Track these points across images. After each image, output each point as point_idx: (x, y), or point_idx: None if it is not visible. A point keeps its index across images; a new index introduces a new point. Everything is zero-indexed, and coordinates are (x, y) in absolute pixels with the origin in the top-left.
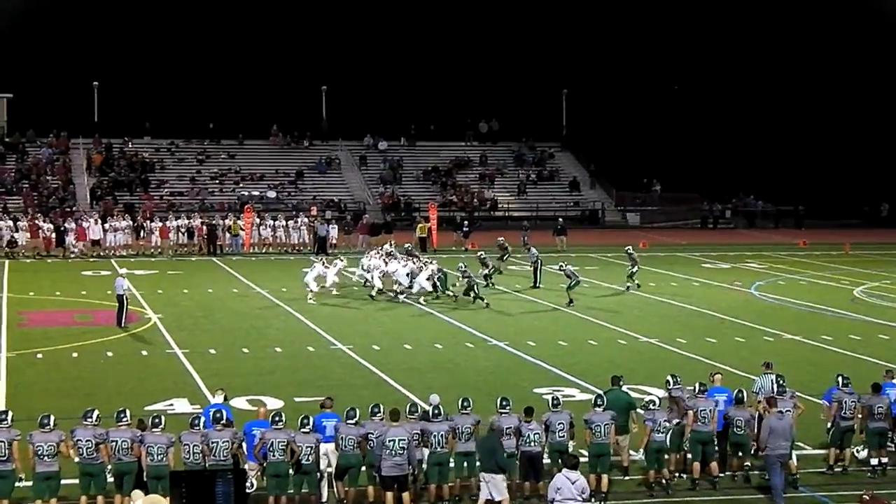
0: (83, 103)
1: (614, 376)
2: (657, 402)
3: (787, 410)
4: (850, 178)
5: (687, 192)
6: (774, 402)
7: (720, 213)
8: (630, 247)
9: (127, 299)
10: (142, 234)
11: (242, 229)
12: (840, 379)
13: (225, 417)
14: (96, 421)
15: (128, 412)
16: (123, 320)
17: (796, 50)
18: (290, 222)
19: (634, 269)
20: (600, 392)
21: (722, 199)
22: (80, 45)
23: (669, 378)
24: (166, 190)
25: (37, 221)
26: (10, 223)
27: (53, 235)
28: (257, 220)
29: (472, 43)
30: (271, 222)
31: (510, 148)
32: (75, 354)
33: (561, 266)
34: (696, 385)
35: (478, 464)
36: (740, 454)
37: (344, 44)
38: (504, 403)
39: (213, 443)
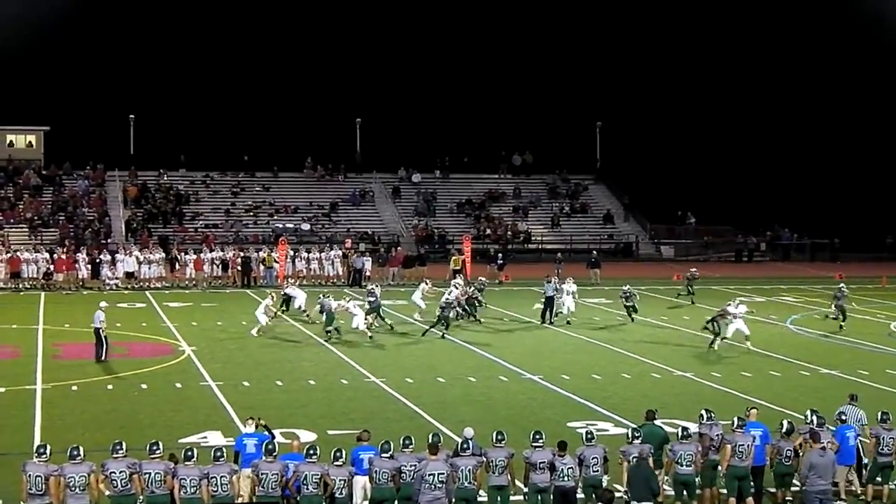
0: (119, 136)
1: (649, 411)
2: (690, 431)
3: (828, 445)
4: (886, 211)
5: (721, 225)
6: (818, 436)
7: (755, 246)
8: (627, 286)
9: (104, 333)
10: (176, 266)
11: (276, 261)
12: (879, 414)
13: (276, 447)
14: (125, 453)
15: (160, 444)
16: (104, 354)
17: (831, 85)
18: (324, 254)
19: (630, 304)
20: (633, 425)
21: (756, 232)
22: (117, 79)
23: (703, 412)
24: (201, 222)
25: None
26: (47, 255)
27: (89, 267)
28: (291, 253)
29: (507, 76)
30: (305, 255)
31: (544, 180)
32: (110, 387)
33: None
34: (735, 420)
35: (626, 494)
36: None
37: (378, 77)
38: (537, 437)
39: (262, 474)
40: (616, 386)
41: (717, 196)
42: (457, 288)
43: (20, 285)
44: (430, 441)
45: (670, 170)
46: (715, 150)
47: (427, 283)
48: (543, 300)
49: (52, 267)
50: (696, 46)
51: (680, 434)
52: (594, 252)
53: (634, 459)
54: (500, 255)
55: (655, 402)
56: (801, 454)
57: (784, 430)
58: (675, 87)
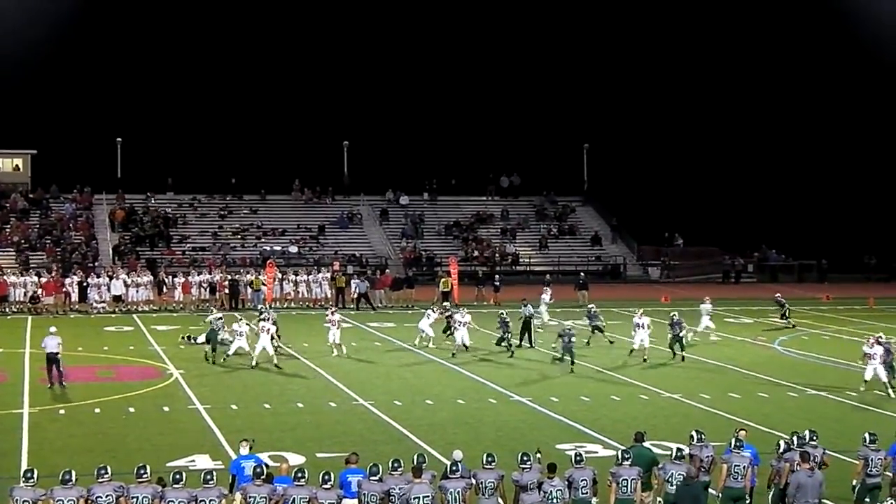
0: (106, 159)
1: (637, 433)
2: (684, 451)
3: (818, 464)
4: (874, 232)
5: (708, 246)
6: (807, 456)
7: (742, 267)
8: (592, 305)
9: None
10: (164, 289)
11: (264, 284)
12: (867, 436)
13: (265, 472)
14: (111, 477)
15: (147, 468)
16: (61, 380)
17: (818, 104)
18: (312, 277)
19: (599, 323)
20: (622, 447)
21: (743, 254)
22: (103, 102)
23: (693, 433)
24: (188, 245)
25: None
26: (34, 279)
27: (76, 291)
28: (279, 275)
29: (494, 98)
30: (293, 277)
31: (532, 202)
32: (97, 410)
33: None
34: (732, 440)
35: None
36: None
37: (365, 99)
38: (525, 458)
39: (250, 497)
40: (605, 408)
41: (705, 217)
42: (429, 317)
43: (7, 309)
44: (414, 463)
45: (658, 191)
46: (702, 171)
47: (434, 311)
48: (521, 323)
49: (39, 290)
50: (682, 68)
51: (674, 454)
52: (582, 274)
53: (681, 477)
54: (497, 276)
55: (644, 424)
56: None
57: (781, 450)
58: (662, 109)
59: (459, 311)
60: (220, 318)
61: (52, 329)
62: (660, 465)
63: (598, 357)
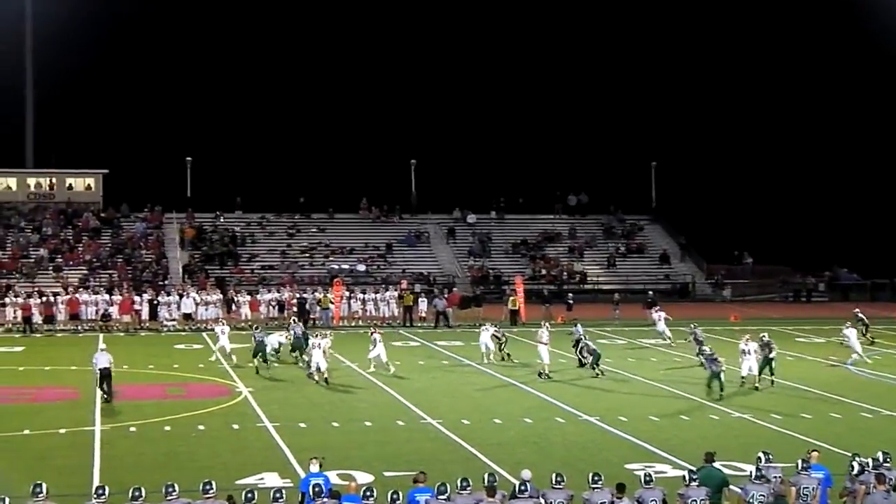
0: (176, 179)
1: (707, 453)
2: (762, 472)
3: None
4: None
5: (779, 265)
6: (883, 478)
7: (813, 286)
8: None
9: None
10: (233, 307)
11: (332, 302)
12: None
13: (323, 489)
14: (179, 494)
15: (213, 484)
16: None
17: (885, 120)
18: (379, 295)
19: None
20: (691, 468)
21: (814, 272)
22: (174, 122)
23: (762, 454)
24: (257, 264)
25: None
26: (106, 297)
27: (146, 309)
28: (347, 294)
29: (561, 116)
30: (361, 296)
31: (599, 220)
32: (168, 428)
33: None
34: (799, 462)
35: None
36: None
37: (433, 118)
38: (596, 479)
39: None
40: (674, 428)
41: (775, 235)
42: (487, 330)
43: (79, 327)
44: (486, 482)
45: (727, 209)
46: (772, 189)
47: (490, 326)
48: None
49: (110, 308)
50: (752, 85)
51: (753, 475)
52: (650, 292)
53: (763, 497)
54: (569, 294)
55: (714, 444)
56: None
57: (854, 472)
58: (732, 126)
59: (541, 328)
60: (258, 329)
61: (102, 346)
62: (742, 487)
63: (665, 375)
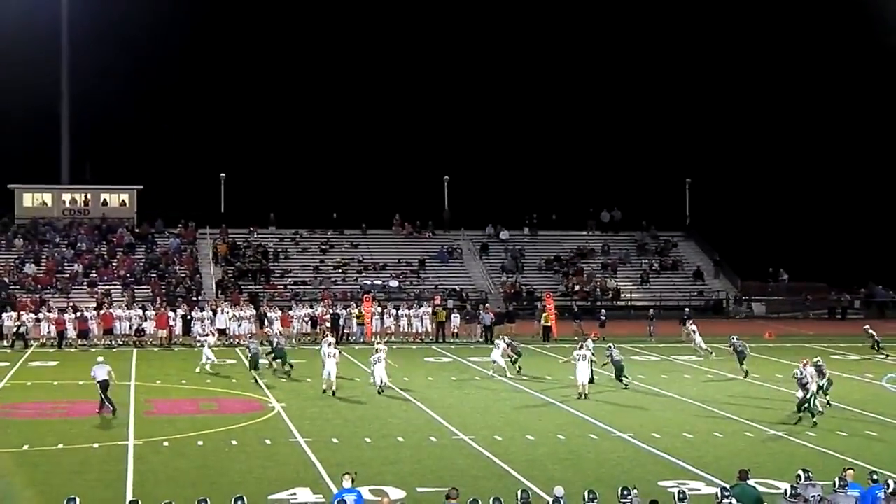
0: (210, 194)
1: (742, 470)
2: (798, 490)
3: None
4: None
5: (814, 282)
6: None
7: (849, 304)
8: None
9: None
10: (266, 322)
11: (361, 318)
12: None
13: None
14: None
15: (245, 499)
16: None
17: None
18: (413, 311)
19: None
20: (725, 485)
21: (850, 290)
22: (207, 139)
23: (801, 472)
24: (290, 279)
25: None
26: (140, 312)
27: (180, 324)
28: (380, 310)
29: (595, 132)
30: (394, 311)
31: (633, 237)
32: (200, 443)
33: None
34: (836, 480)
35: None
36: None
37: (466, 134)
38: (625, 493)
39: None
40: (708, 445)
41: (810, 252)
42: (499, 346)
43: (113, 342)
44: (518, 499)
45: (761, 226)
46: (807, 205)
47: (504, 341)
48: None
49: (144, 323)
50: (788, 102)
51: (788, 493)
52: (687, 309)
53: None
54: (603, 311)
55: (748, 461)
56: None
57: (891, 490)
58: (766, 143)
59: (584, 344)
60: (252, 338)
61: (100, 359)
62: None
63: (701, 391)
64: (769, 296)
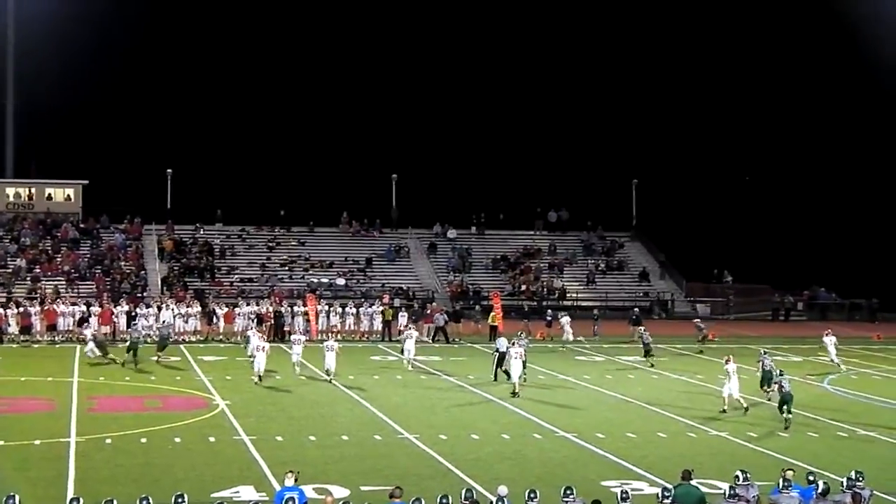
0: (156, 190)
1: (685, 470)
2: (737, 490)
3: None
4: None
5: (758, 284)
6: (859, 498)
7: (792, 305)
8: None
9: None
10: (213, 319)
11: (305, 316)
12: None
13: (297, 502)
14: None
15: (186, 497)
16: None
17: (867, 141)
18: (363, 310)
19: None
20: (667, 485)
21: (793, 291)
22: (154, 134)
23: (739, 473)
24: (236, 276)
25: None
26: (83, 308)
27: (123, 320)
28: (327, 308)
29: (542, 132)
30: (340, 309)
31: (579, 237)
32: (144, 440)
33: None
34: (780, 480)
35: None
36: None
37: (414, 133)
38: (567, 492)
39: None
40: (651, 445)
41: (754, 254)
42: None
43: (56, 338)
44: (463, 497)
45: (707, 228)
46: (752, 208)
47: (414, 332)
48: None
49: (92, 319)
50: (731, 103)
51: (727, 493)
52: (636, 309)
53: None
54: (549, 311)
55: (691, 461)
56: None
57: (820, 490)
58: (712, 144)
59: (517, 341)
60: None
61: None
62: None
63: (646, 391)
64: (712, 297)
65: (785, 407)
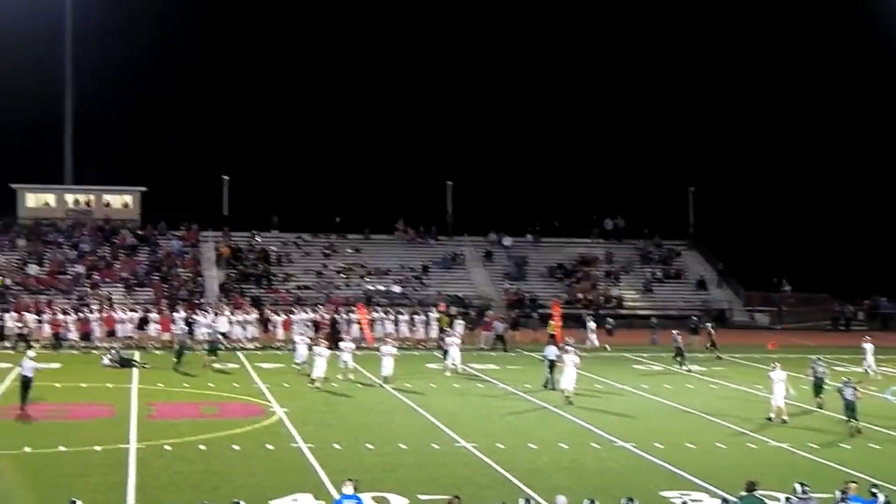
0: (213, 198)
1: (749, 482)
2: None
3: None
4: None
5: (818, 293)
6: None
7: (852, 315)
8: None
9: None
10: (269, 326)
11: (359, 324)
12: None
13: None
14: None
15: None
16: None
17: None
18: (418, 317)
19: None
20: (729, 497)
21: (854, 301)
22: (211, 141)
23: (797, 485)
24: (293, 283)
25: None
26: (142, 314)
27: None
28: (382, 315)
29: (599, 140)
30: (394, 316)
31: (636, 245)
32: (202, 447)
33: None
34: (837, 493)
35: None
36: None
37: (470, 140)
38: (628, 503)
39: None
40: (710, 455)
41: (814, 263)
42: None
43: (115, 344)
44: None
45: (765, 236)
46: (812, 216)
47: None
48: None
49: (146, 326)
50: (791, 112)
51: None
52: (694, 318)
53: None
54: (609, 319)
55: (751, 472)
56: None
57: (880, 502)
58: (771, 152)
59: (566, 348)
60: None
61: (31, 353)
62: None
63: (705, 401)
64: (771, 306)
65: (849, 414)
